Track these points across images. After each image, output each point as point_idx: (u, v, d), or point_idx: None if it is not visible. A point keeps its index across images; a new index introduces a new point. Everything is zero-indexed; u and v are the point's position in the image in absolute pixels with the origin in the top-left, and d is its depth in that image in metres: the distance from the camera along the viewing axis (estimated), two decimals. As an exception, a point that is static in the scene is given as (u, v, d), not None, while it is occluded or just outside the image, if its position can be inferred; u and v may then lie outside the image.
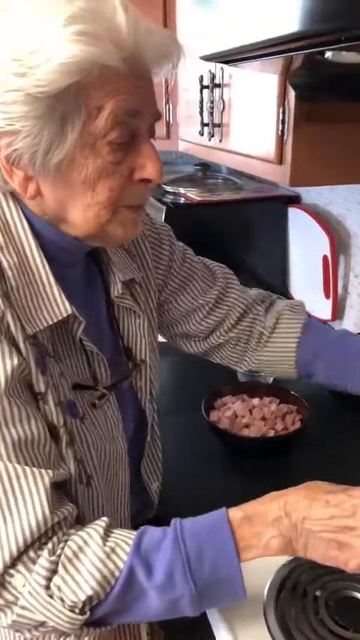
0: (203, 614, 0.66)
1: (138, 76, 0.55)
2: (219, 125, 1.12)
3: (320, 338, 0.83)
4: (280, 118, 0.88)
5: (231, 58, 0.72)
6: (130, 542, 0.55)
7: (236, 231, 1.56)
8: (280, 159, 0.91)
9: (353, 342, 0.82)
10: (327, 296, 1.43)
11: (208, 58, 0.77)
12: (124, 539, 0.55)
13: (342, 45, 0.51)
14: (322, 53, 0.58)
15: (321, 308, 1.48)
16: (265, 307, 0.86)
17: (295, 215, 1.54)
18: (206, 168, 1.67)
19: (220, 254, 1.58)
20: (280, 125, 0.88)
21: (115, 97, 0.53)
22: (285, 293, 1.64)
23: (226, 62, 0.76)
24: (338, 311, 1.44)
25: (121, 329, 0.71)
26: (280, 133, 0.89)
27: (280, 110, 0.88)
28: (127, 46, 0.52)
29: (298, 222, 1.52)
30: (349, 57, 0.61)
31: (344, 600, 0.67)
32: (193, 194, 1.56)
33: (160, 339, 0.83)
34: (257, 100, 0.96)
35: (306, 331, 0.83)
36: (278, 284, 1.64)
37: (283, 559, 0.72)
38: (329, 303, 1.43)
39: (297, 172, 0.89)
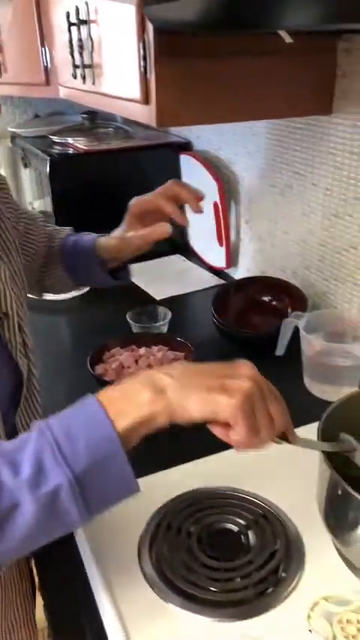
0: (77, 562, 0.66)
1: None
2: (90, 66, 1.06)
3: (70, 251, 0.96)
4: (141, 53, 0.84)
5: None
6: None
7: (129, 181, 1.51)
8: (146, 98, 0.87)
9: (81, 245, 0.96)
10: (221, 244, 1.44)
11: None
12: None
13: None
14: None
15: (217, 256, 1.48)
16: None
17: (186, 162, 1.51)
18: (94, 116, 1.60)
19: (115, 205, 1.53)
20: (142, 62, 0.84)
21: None
22: (184, 244, 1.63)
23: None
24: (232, 258, 1.45)
25: None
26: (142, 70, 0.85)
27: (140, 45, 0.83)
28: None
29: (190, 170, 1.50)
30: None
31: (217, 533, 0.68)
32: (80, 144, 1.50)
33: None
34: (121, 36, 0.91)
35: (64, 248, 0.97)
36: (176, 234, 1.62)
37: (160, 501, 0.72)
38: (223, 250, 1.43)
39: (163, 112, 0.86)
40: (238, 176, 1.36)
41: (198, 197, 0.94)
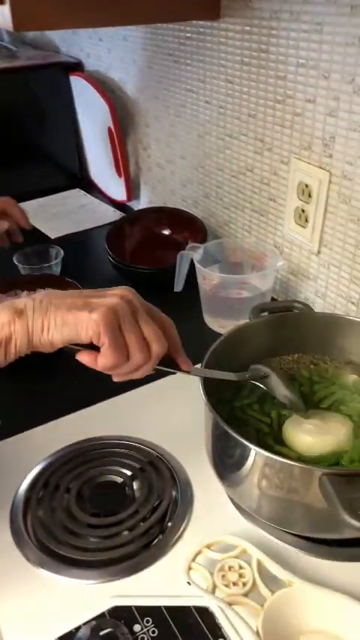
0: None
1: None
2: None
3: None
4: None
5: None
6: None
7: (15, 106, 1.36)
8: (-2, -4, 0.74)
9: None
10: (119, 174, 1.33)
11: None
12: None
13: None
14: None
15: (117, 189, 1.37)
16: None
17: (77, 85, 1.37)
18: (-32, 32, 1.40)
19: (3, 135, 1.36)
20: None
21: None
22: (83, 176, 1.50)
23: None
24: (134, 189, 1.35)
25: None
26: None
27: None
28: None
29: (81, 93, 1.36)
30: None
31: (99, 486, 0.63)
32: None
33: None
34: None
35: None
36: (74, 166, 1.50)
37: (37, 458, 0.66)
38: (123, 182, 1.33)
39: (20, 12, 0.73)
40: (132, 98, 1.24)
41: (26, 217, 1.04)
